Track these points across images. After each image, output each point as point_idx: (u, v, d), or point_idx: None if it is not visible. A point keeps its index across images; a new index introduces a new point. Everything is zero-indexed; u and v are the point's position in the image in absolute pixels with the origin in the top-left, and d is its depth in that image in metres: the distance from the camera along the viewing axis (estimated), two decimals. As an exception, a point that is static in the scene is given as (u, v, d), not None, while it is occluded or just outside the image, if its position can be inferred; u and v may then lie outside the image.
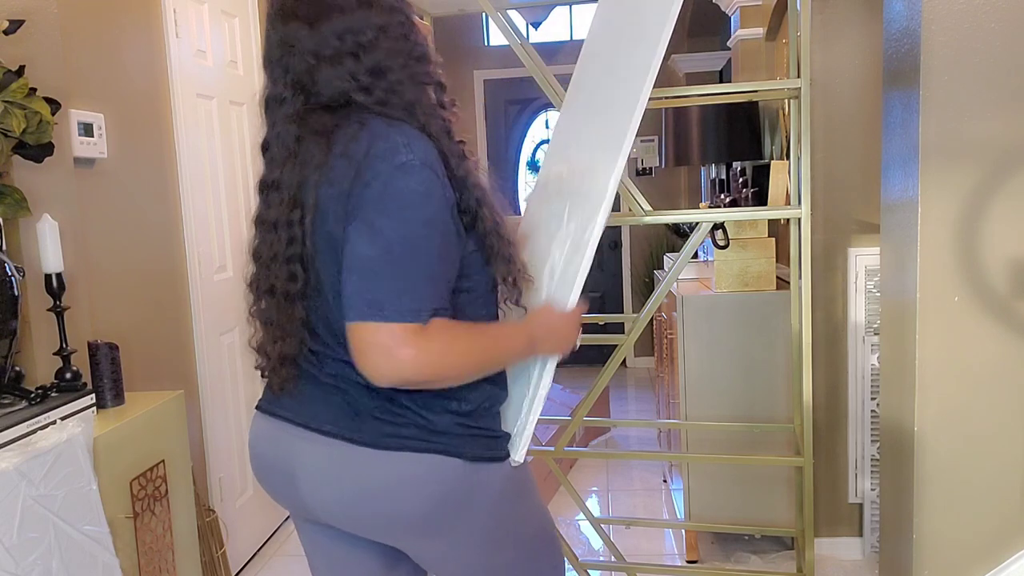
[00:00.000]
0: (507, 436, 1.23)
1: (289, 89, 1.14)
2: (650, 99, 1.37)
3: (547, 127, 5.55)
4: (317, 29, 1.11)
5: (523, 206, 1.54)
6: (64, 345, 1.72)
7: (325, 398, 1.16)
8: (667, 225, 3.64)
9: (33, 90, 1.63)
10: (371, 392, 1.11)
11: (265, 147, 1.18)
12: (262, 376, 1.24)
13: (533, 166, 5.59)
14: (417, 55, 1.16)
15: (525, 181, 5.58)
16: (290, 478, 1.18)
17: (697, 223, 2.02)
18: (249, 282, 1.20)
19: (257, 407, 1.27)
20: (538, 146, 5.58)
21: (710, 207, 3.40)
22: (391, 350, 1.02)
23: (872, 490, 2.54)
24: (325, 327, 1.15)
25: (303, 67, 1.12)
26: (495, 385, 1.21)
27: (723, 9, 3.37)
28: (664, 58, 1.35)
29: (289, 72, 1.14)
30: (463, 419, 1.16)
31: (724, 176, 3.52)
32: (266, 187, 1.16)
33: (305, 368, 1.19)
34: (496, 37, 5.42)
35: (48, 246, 1.67)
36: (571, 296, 1.25)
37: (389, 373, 1.04)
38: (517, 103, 5.49)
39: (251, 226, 1.19)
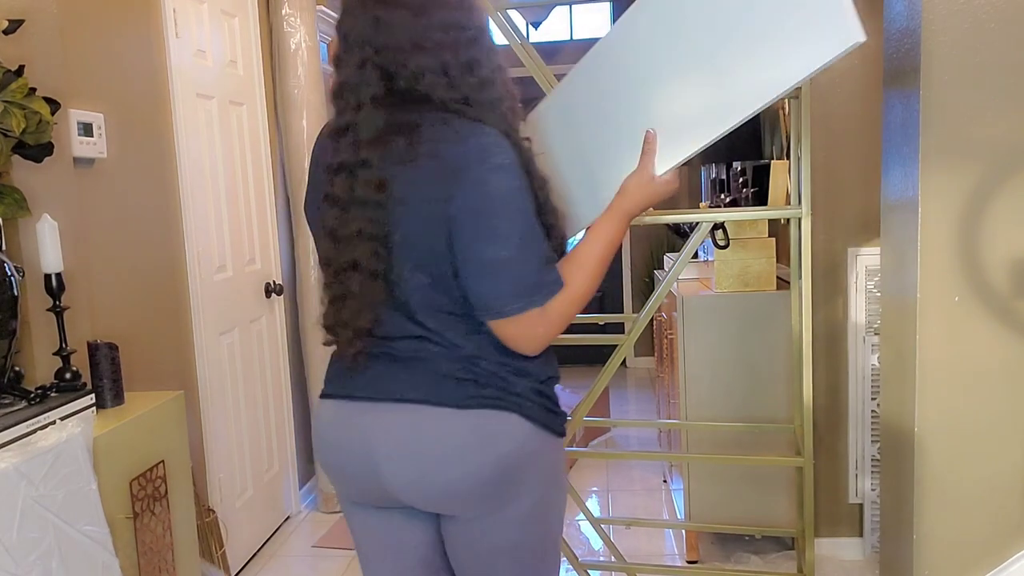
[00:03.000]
0: (565, 414, 1.30)
1: (375, 72, 1.17)
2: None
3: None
4: (422, 18, 1.16)
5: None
6: (64, 345, 1.72)
7: (404, 369, 1.22)
8: (667, 225, 3.64)
9: (33, 90, 1.63)
10: (452, 357, 1.20)
11: (344, 128, 1.19)
12: (337, 350, 1.28)
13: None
14: (500, 59, 1.24)
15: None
16: (367, 457, 1.22)
17: (697, 223, 2.02)
18: (326, 259, 1.23)
19: (325, 395, 1.30)
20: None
21: (710, 207, 3.40)
22: (536, 329, 1.19)
23: (872, 490, 2.54)
24: (399, 307, 1.20)
25: (396, 53, 1.16)
26: (556, 365, 1.31)
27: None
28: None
29: (379, 54, 1.17)
30: (538, 386, 1.24)
31: (724, 176, 3.52)
32: (351, 166, 1.18)
33: (378, 344, 1.23)
34: (496, 37, 5.41)
35: (48, 246, 1.67)
36: (666, 167, 1.31)
37: (539, 346, 1.21)
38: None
39: (325, 202, 1.21)
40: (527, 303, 1.16)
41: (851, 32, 1.13)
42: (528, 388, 1.23)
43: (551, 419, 1.26)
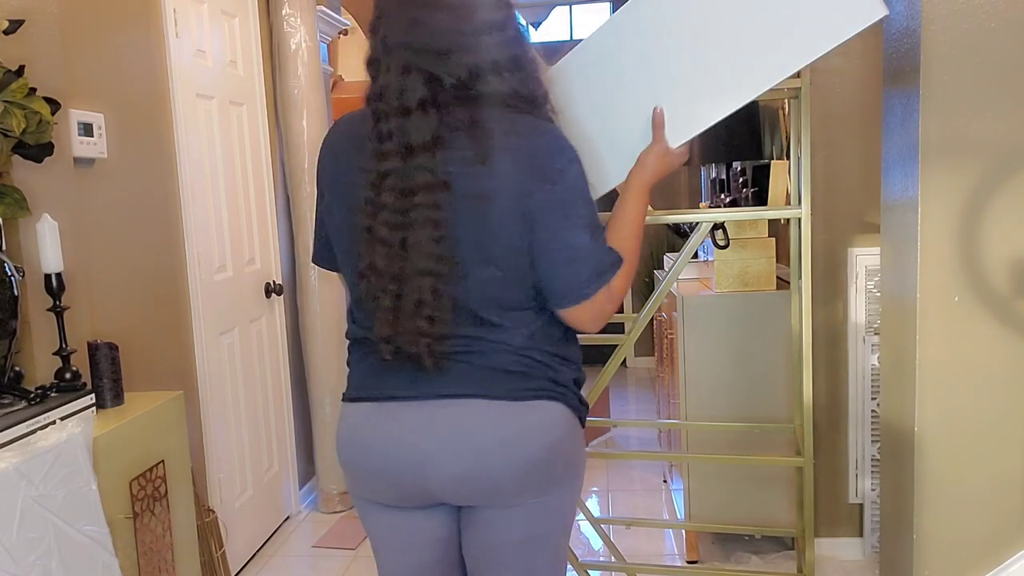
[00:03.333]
0: (588, 406, 1.36)
1: (420, 76, 1.17)
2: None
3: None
4: (466, 19, 1.18)
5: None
6: (64, 345, 1.72)
7: (455, 365, 1.23)
8: (667, 225, 3.64)
9: (33, 90, 1.63)
10: (506, 350, 1.23)
11: (388, 135, 1.18)
12: (370, 361, 1.28)
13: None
14: (535, 54, 1.27)
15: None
16: (410, 456, 1.23)
17: (697, 223, 2.02)
18: (373, 266, 1.21)
19: (357, 399, 1.30)
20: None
21: (710, 207, 3.41)
22: (606, 307, 1.27)
23: (872, 490, 2.54)
24: (461, 306, 1.21)
25: (441, 55, 1.17)
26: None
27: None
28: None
29: (422, 57, 1.17)
30: (576, 377, 1.32)
31: (724, 176, 3.52)
32: (402, 172, 1.18)
33: (437, 343, 1.21)
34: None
35: (48, 246, 1.67)
36: (680, 140, 1.41)
37: (603, 323, 1.29)
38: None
39: (368, 208, 1.20)
40: (600, 283, 1.23)
41: (875, 7, 1.14)
42: (569, 379, 1.30)
43: (582, 410, 1.33)
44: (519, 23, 1.26)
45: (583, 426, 1.34)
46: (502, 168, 1.17)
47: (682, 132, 1.41)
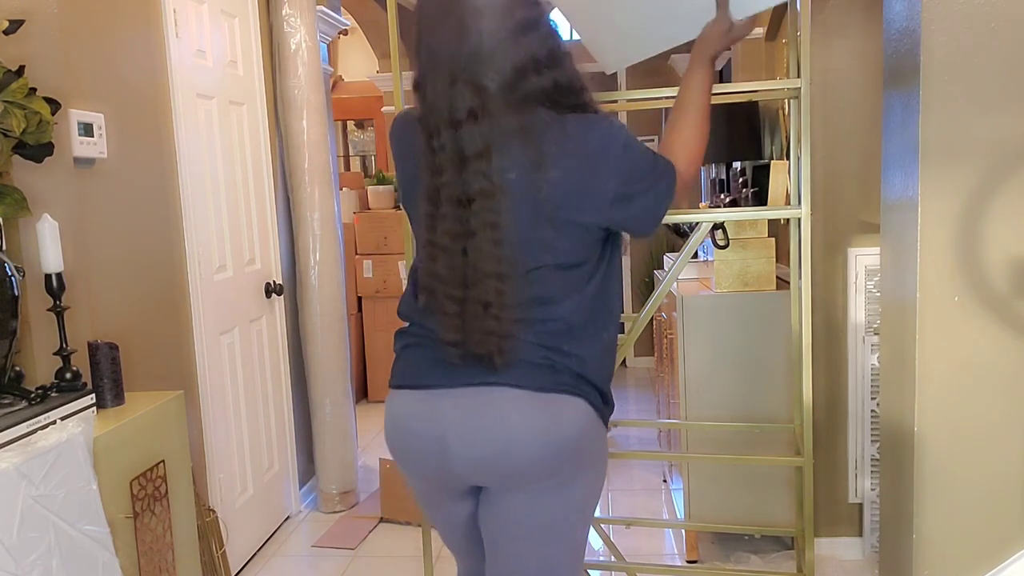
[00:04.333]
0: (612, 408, 1.40)
1: (467, 88, 1.21)
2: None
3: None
4: (508, 21, 1.21)
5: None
6: (64, 345, 1.72)
7: (480, 357, 1.27)
8: (667, 225, 3.64)
9: (33, 90, 1.63)
10: (534, 345, 1.28)
11: (442, 147, 1.24)
12: (416, 355, 1.36)
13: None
14: (564, 43, 1.30)
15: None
16: (441, 441, 1.30)
17: (697, 223, 2.02)
18: (444, 273, 1.27)
19: (400, 385, 1.37)
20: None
21: (710, 207, 3.41)
22: (684, 191, 1.41)
23: (872, 490, 2.54)
24: (496, 300, 1.25)
25: (487, 61, 1.21)
26: (614, 354, 1.43)
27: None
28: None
29: (468, 66, 1.21)
30: (601, 375, 1.35)
31: (724, 176, 3.52)
32: (456, 184, 1.24)
33: (470, 337, 1.27)
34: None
35: (48, 246, 1.67)
36: (744, 14, 1.54)
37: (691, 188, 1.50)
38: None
39: (424, 220, 1.28)
40: (672, 191, 1.36)
41: None
42: (596, 378, 1.33)
43: (605, 411, 1.37)
44: (549, 18, 1.29)
45: (606, 425, 1.38)
46: (559, 173, 1.23)
47: (745, 7, 1.53)
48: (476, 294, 1.24)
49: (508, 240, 1.23)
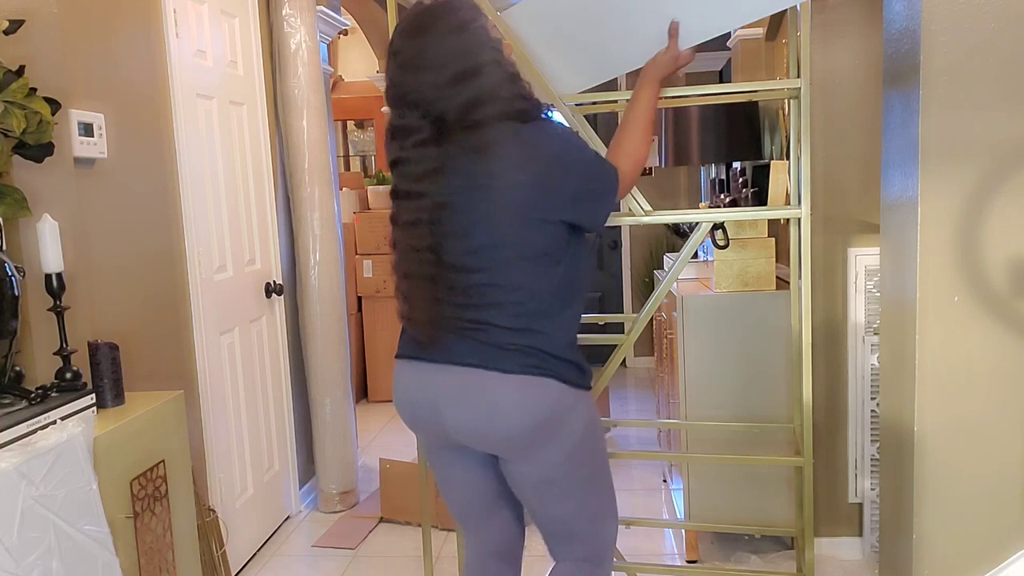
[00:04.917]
0: (591, 371, 1.57)
1: (421, 113, 1.44)
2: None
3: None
4: (452, 71, 1.41)
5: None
6: (64, 345, 1.72)
7: (463, 341, 1.48)
8: (667, 225, 3.65)
9: (33, 90, 1.63)
10: (506, 330, 1.46)
11: (405, 161, 1.48)
12: (412, 332, 1.56)
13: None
14: (494, 45, 1.48)
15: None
16: (435, 408, 1.52)
17: (697, 223, 2.02)
18: (414, 271, 1.49)
19: (401, 356, 1.59)
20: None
21: (710, 207, 3.41)
22: (622, 194, 1.62)
23: (872, 490, 2.54)
24: (474, 290, 1.46)
25: (439, 100, 1.42)
26: (578, 324, 1.59)
27: (723, 9, 3.36)
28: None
29: (419, 105, 1.44)
30: (568, 350, 1.51)
31: (724, 176, 3.52)
32: (413, 195, 1.47)
33: (449, 322, 1.49)
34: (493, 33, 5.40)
35: (48, 246, 1.67)
36: (689, 44, 1.75)
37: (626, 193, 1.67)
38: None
39: (391, 223, 1.53)
40: (616, 191, 1.55)
41: None
42: (563, 350, 1.49)
43: (581, 377, 1.53)
44: (484, 25, 1.46)
45: (586, 386, 1.55)
46: (527, 177, 1.42)
47: (692, 37, 1.74)
48: (441, 286, 1.47)
49: (469, 240, 1.44)
